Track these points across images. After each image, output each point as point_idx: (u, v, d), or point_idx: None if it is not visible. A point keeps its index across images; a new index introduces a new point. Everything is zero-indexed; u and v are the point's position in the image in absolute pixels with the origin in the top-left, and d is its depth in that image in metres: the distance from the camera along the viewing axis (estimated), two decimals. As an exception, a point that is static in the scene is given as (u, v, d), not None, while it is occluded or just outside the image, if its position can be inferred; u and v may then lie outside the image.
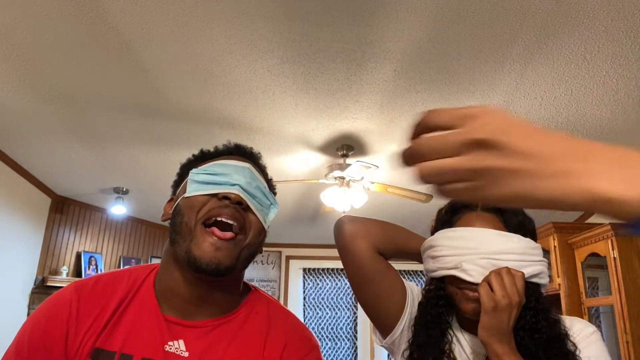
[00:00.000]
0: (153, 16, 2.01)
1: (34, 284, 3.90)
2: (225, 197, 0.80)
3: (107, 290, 0.83)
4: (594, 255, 3.15)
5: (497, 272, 0.85)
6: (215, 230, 0.78)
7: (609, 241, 2.98)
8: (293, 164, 3.53)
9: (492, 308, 0.83)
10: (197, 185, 0.82)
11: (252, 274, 5.78)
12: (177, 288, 0.81)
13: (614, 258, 2.93)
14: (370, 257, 0.99)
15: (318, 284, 5.85)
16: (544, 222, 3.48)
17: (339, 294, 5.80)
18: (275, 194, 0.95)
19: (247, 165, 0.86)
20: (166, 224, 0.88)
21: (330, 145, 3.22)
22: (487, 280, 0.85)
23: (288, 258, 5.87)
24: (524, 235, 0.92)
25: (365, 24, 2.05)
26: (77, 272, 4.27)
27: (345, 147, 3.19)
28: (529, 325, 0.87)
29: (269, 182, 0.94)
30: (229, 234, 0.79)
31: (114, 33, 2.11)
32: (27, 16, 2.02)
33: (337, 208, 3.39)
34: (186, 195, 0.82)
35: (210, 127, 2.95)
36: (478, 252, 0.88)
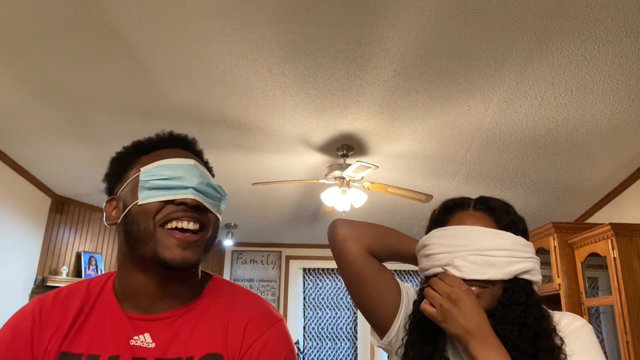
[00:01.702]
0: (153, 16, 2.01)
1: (34, 284, 3.90)
2: (181, 202, 0.81)
3: (68, 299, 0.87)
4: (594, 255, 3.14)
5: (429, 287, 0.90)
6: (177, 233, 0.80)
7: (609, 241, 2.97)
8: (293, 164, 3.53)
9: (442, 319, 0.87)
10: (149, 191, 0.81)
11: (252, 274, 5.77)
12: (141, 288, 0.83)
13: (614, 258, 2.93)
14: (362, 258, 1.00)
15: (318, 284, 5.85)
16: (544, 222, 3.48)
17: (339, 294, 5.80)
18: (213, 176, 0.94)
19: (192, 162, 0.85)
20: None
21: (330, 145, 3.22)
22: (426, 296, 0.90)
23: (288, 258, 5.86)
24: (515, 233, 0.94)
25: (365, 24, 2.06)
26: (77, 272, 4.26)
27: (345, 147, 3.19)
28: (517, 320, 0.88)
29: (209, 169, 0.93)
30: (193, 237, 0.81)
31: (114, 33, 2.11)
32: (28, 16, 2.02)
33: (337, 208, 3.39)
34: (139, 203, 0.81)
35: (210, 127, 2.95)
36: (469, 248, 0.90)
